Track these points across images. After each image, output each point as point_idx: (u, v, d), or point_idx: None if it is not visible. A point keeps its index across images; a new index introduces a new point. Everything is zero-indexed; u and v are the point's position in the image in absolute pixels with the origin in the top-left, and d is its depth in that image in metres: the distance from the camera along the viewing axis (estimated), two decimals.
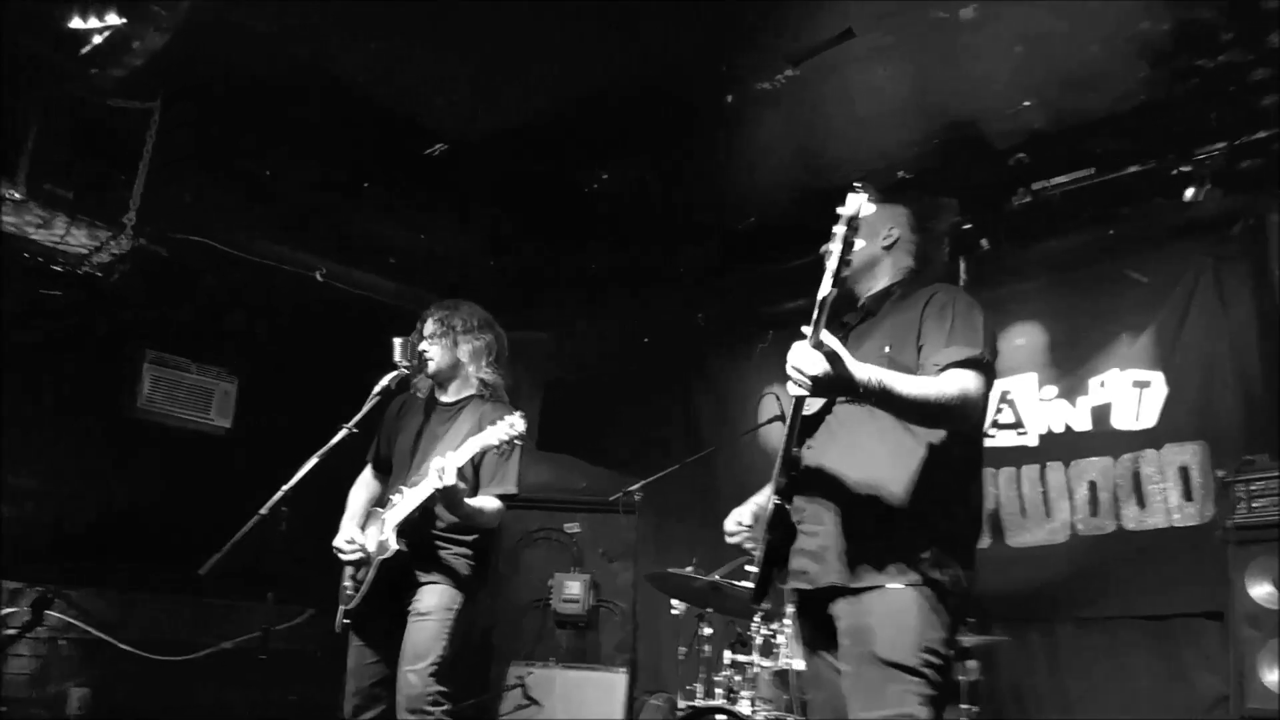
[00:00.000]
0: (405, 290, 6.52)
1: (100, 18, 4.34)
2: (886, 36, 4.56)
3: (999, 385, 5.77)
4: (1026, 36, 4.50)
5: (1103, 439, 5.46)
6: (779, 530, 2.65)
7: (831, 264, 2.36)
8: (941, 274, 3.06)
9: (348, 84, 4.97)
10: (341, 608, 4.08)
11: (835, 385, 2.43)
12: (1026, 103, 4.95)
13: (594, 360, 7.54)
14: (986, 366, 2.64)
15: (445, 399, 4.28)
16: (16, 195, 4.92)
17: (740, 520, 3.01)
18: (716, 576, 4.93)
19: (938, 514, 2.64)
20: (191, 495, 5.72)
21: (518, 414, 3.82)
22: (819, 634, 2.79)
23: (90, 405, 5.72)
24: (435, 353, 4.22)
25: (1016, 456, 5.75)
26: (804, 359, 2.39)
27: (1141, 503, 5.26)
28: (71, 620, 5.40)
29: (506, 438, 3.77)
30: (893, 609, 2.57)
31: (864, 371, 2.46)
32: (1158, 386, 5.32)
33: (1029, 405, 5.78)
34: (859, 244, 2.78)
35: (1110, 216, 5.43)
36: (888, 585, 2.58)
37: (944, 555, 2.61)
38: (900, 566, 2.59)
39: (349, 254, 6.36)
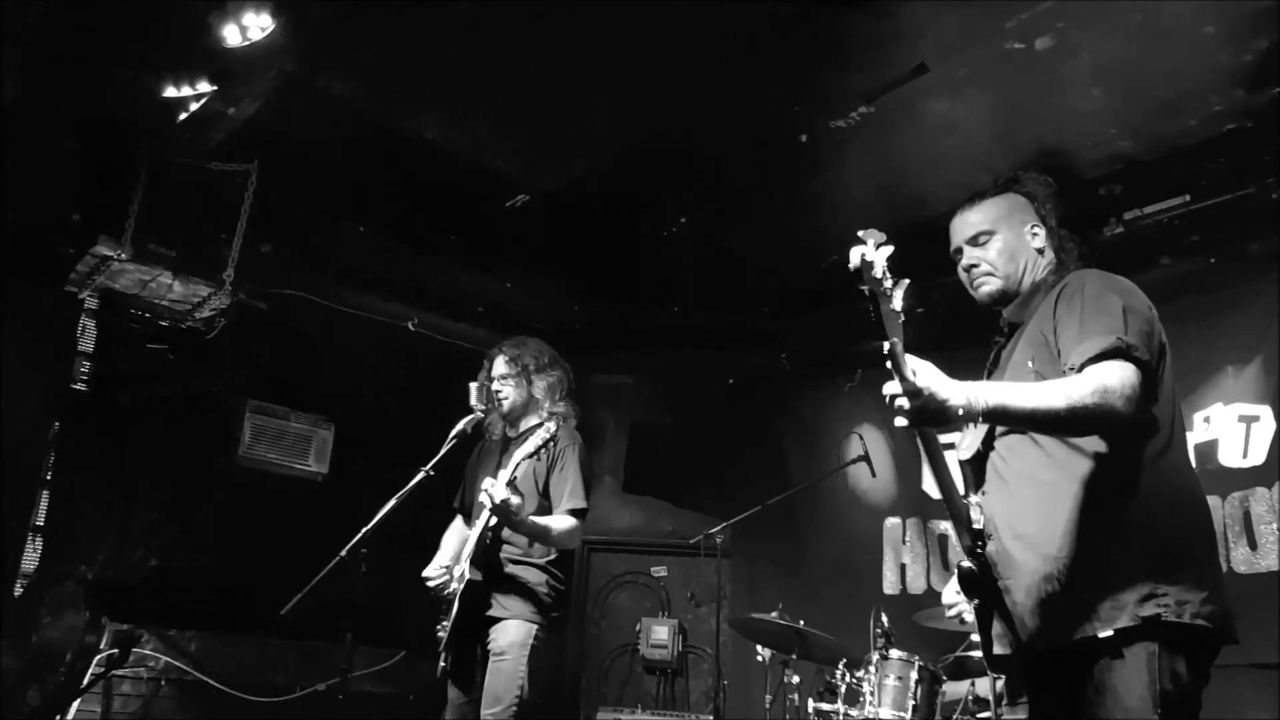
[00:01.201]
0: (493, 338, 6.63)
1: (193, 87, 4.57)
2: (961, 69, 4.51)
3: None
4: (1109, 65, 4.41)
5: (1210, 477, 5.18)
6: (978, 593, 2.47)
7: (875, 318, 2.12)
8: (1078, 258, 2.76)
9: (429, 140, 5.14)
10: (439, 651, 4.16)
11: (933, 413, 2.15)
12: (1113, 131, 4.83)
13: (679, 403, 7.55)
14: (1132, 352, 2.30)
15: (513, 434, 4.33)
16: (123, 255, 5.17)
17: (953, 596, 2.78)
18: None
19: (1140, 541, 2.32)
20: (290, 540, 5.87)
21: (554, 420, 3.88)
22: (1045, 708, 2.49)
23: (194, 454, 5.94)
24: (509, 391, 4.30)
25: None
26: (892, 388, 2.16)
27: (1252, 544, 5.00)
28: (173, 661, 5.58)
29: (541, 441, 3.85)
30: (1116, 663, 2.27)
31: (964, 395, 2.17)
32: (1266, 421, 5.06)
33: None
34: (997, 252, 2.70)
35: (1208, 244, 5.23)
36: (1102, 637, 2.28)
37: (1159, 584, 2.28)
38: (1112, 613, 2.29)
39: (438, 304, 6.53)
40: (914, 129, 4.93)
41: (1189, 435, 5.29)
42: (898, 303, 2.10)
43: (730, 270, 6.26)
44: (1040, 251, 2.73)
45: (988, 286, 2.72)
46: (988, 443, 2.55)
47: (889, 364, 2.11)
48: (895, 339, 2.08)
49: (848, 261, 2.09)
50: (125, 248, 5.18)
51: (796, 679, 5.11)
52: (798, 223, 5.76)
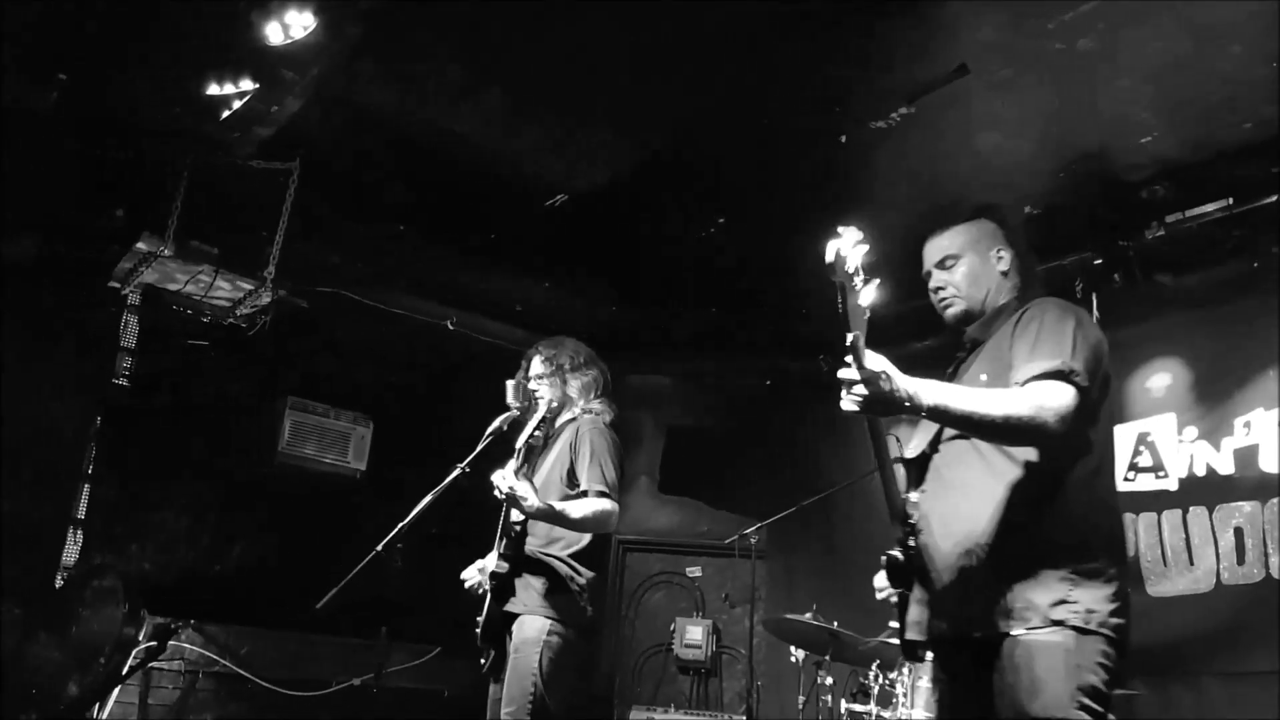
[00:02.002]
0: (531, 337, 6.65)
1: (235, 84, 4.62)
2: (1005, 71, 4.49)
3: (1135, 426, 5.59)
4: (1151, 67, 4.37)
5: (1249, 482, 5.13)
6: (904, 582, 2.59)
7: (841, 310, 2.27)
8: (1041, 288, 2.91)
9: (473, 145, 5.18)
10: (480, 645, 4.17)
11: (885, 401, 2.28)
12: (1156, 133, 4.79)
13: (715, 405, 7.55)
14: (1073, 378, 2.45)
15: (551, 433, 4.34)
16: (167, 251, 5.24)
17: (883, 580, 2.84)
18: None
19: (1066, 549, 2.45)
20: (328, 536, 5.93)
21: (546, 400, 3.94)
22: (960, 695, 2.65)
23: (234, 450, 6.03)
24: (545, 390, 4.28)
25: (1157, 501, 5.46)
26: (848, 374, 2.27)
27: None
28: (210, 655, 5.65)
29: (537, 421, 3.89)
30: (1036, 657, 2.39)
31: (911, 388, 2.31)
32: None
33: (1169, 447, 5.50)
34: (963, 275, 2.86)
35: (1251, 248, 5.17)
36: (1024, 633, 2.41)
37: (1080, 591, 2.41)
38: (1035, 610, 2.42)
39: (478, 303, 6.56)
40: (954, 130, 4.90)
41: (1228, 440, 5.27)
42: (865, 299, 2.26)
43: (769, 274, 6.24)
44: (1005, 275, 2.87)
45: (953, 308, 2.88)
46: (933, 445, 2.70)
47: (849, 355, 2.25)
48: (858, 332, 2.23)
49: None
50: (168, 244, 5.25)
51: (830, 680, 5.10)
52: (838, 225, 5.74)
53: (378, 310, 6.23)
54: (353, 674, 5.94)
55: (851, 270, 2.26)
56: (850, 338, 2.23)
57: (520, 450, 3.94)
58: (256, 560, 5.92)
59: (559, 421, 4.34)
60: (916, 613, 2.62)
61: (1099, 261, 5.49)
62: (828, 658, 5.06)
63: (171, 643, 5.53)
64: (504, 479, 3.78)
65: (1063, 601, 2.40)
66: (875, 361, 2.26)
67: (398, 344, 6.51)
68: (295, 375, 6.29)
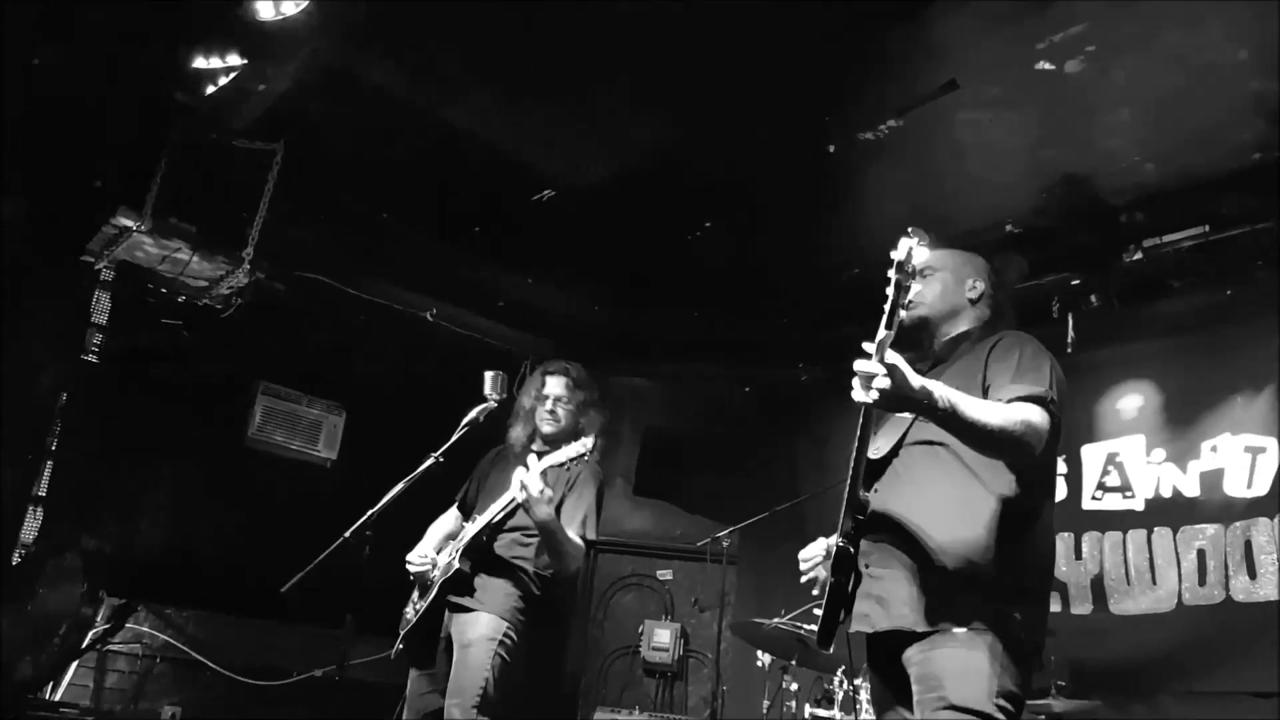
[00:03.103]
0: (513, 334, 6.66)
1: (222, 58, 4.57)
2: (993, 89, 4.55)
3: (1105, 446, 5.67)
4: (1137, 91, 4.45)
5: (1213, 506, 5.23)
6: (843, 573, 2.64)
7: (887, 307, 2.36)
8: (1013, 327, 3.07)
9: (461, 133, 5.14)
10: (400, 632, 4.14)
11: (902, 397, 2.37)
12: (1137, 158, 4.87)
13: (695, 409, 7.54)
14: (1052, 406, 2.61)
15: (537, 448, 4.28)
16: (143, 227, 5.16)
17: (815, 553, 2.94)
18: (774, 623, 4.86)
19: (1006, 563, 2.59)
20: (296, 524, 5.84)
21: (590, 437, 3.82)
22: (889, 690, 2.75)
23: (204, 433, 5.94)
24: (564, 416, 4.22)
25: (1123, 521, 5.54)
26: (870, 367, 2.34)
27: (1252, 573, 5.01)
28: (168, 639, 5.56)
29: (576, 454, 3.79)
30: (964, 655, 2.52)
31: (932, 386, 2.42)
32: (1272, 453, 5.08)
33: (1137, 468, 5.58)
34: (936, 290, 3.00)
35: (1226, 276, 5.27)
36: (955, 631, 2.54)
37: (1013, 604, 2.57)
38: (969, 613, 2.54)
39: (459, 296, 6.51)
40: (941, 146, 4.96)
41: (1194, 463, 5.36)
42: (905, 301, 2.37)
43: (753, 281, 6.28)
44: (972, 303, 3.02)
45: (915, 312, 2.95)
46: (895, 450, 2.80)
47: (876, 350, 2.34)
48: (892, 331, 2.34)
49: (882, 267, 2.33)
50: (145, 220, 5.16)
51: (795, 686, 5.13)
52: (822, 235, 5.79)
53: (357, 298, 6.17)
54: (314, 665, 5.87)
55: (911, 271, 2.35)
56: (884, 333, 2.33)
57: (548, 466, 3.84)
58: (220, 545, 5.82)
59: (566, 454, 4.27)
60: (863, 605, 2.69)
61: (1076, 282, 5.57)
62: (794, 663, 5.07)
63: (129, 625, 5.45)
64: (533, 481, 3.71)
65: (999, 610, 2.55)
66: (896, 360, 2.35)
67: (376, 334, 6.43)
68: (269, 360, 6.21)
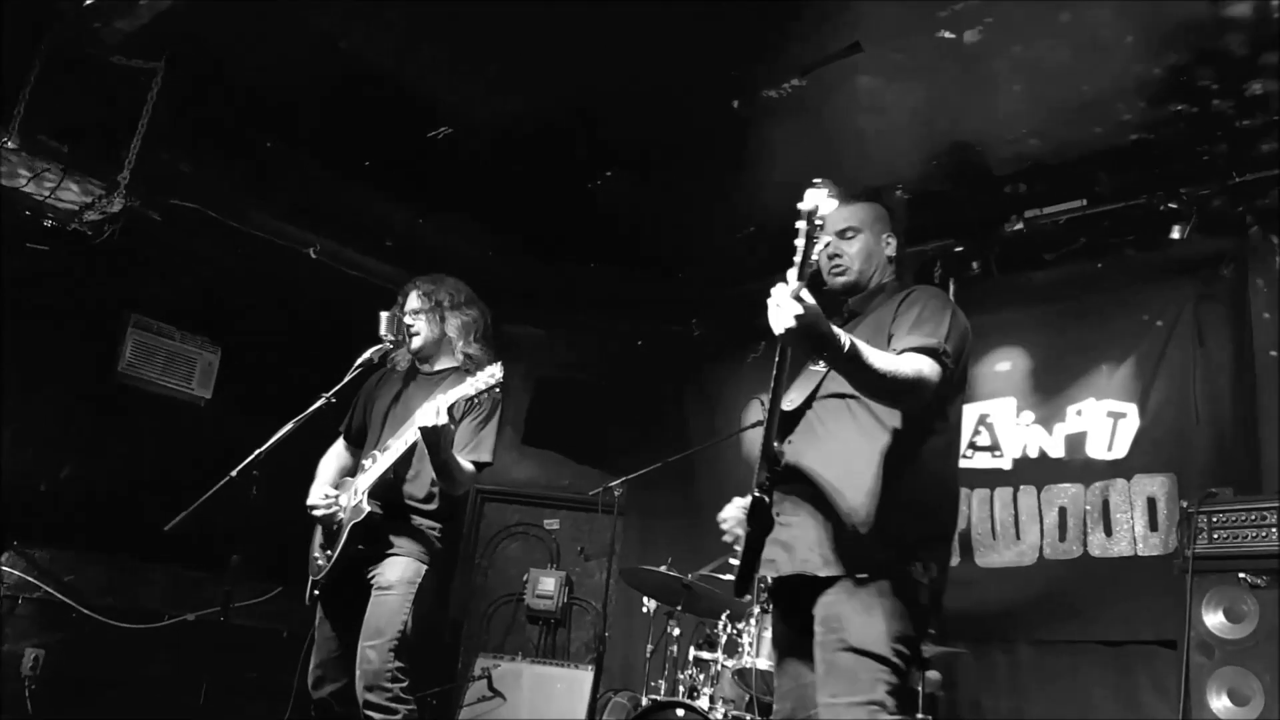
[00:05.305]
0: (400, 274, 6.46)
1: None
2: (895, 54, 4.62)
3: (978, 407, 5.91)
4: (1029, 66, 4.57)
5: (1075, 467, 5.54)
6: (758, 523, 2.73)
7: (797, 259, 2.41)
8: (910, 276, 3.27)
9: (359, 60, 4.93)
10: (311, 579, 4.07)
11: (813, 333, 2.46)
12: (1024, 130, 5.03)
13: (587, 360, 7.55)
14: (943, 357, 2.74)
15: (426, 370, 4.25)
16: (10, 144, 4.85)
17: (733, 513, 3.03)
18: (691, 576, 4.96)
19: (910, 512, 2.74)
20: (168, 464, 5.67)
21: (498, 364, 3.77)
22: (792, 632, 2.87)
23: (70, 366, 5.63)
24: (421, 327, 4.20)
25: (991, 479, 5.82)
26: (786, 296, 2.42)
27: (1108, 530, 5.34)
28: (33, 580, 5.31)
29: (485, 386, 3.72)
30: (865, 599, 2.66)
31: (838, 330, 2.53)
32: (1132, 418, 5.40)
33: (1006, 429, 5.86)
34: (858, 249, 3.10)
35: (1099, 249, 5.53)
36: (859, 577, 2.67)
37: (915, 551, 2.73)
38: (872, 559, 2.69)
39: (345, 233, 6.29)
40: (841, 108, 5.01)
41: (1060, 426, 5.65)
42: (815, 251, 2.43)
43: (650, 234, 6.27)
44: (890, 259, 3.16)
45: (844, 278, 3.12)
46: (808, 402, 2.92)
47: (796, 279, 2.40)
48: (803, 282, 2.41)
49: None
50: (12, 135, 4.86)
51: (678, 631, 5.24)
52: (722, 192, 5.82)
53: (237, 231, 5.89)
54: (187, 609, 5.70)
55: (819, 223, 2.41)
56: (794, 284, 2.40)
57: (454, 401, 3.75)
58: (87, 483, 5.56)
59: (440, 364, 4.25)
60: (770, 551, 2.79)
61: (960, 249, 5.76)
62: (679, 608, 5.17)
63: None
64: (439, 414, 3.67)
65: (903, 556, 2.71)
66: (810, 300, 2.44)
67: (256, 270, 6.18)
68: (142, 292, 5.91)
